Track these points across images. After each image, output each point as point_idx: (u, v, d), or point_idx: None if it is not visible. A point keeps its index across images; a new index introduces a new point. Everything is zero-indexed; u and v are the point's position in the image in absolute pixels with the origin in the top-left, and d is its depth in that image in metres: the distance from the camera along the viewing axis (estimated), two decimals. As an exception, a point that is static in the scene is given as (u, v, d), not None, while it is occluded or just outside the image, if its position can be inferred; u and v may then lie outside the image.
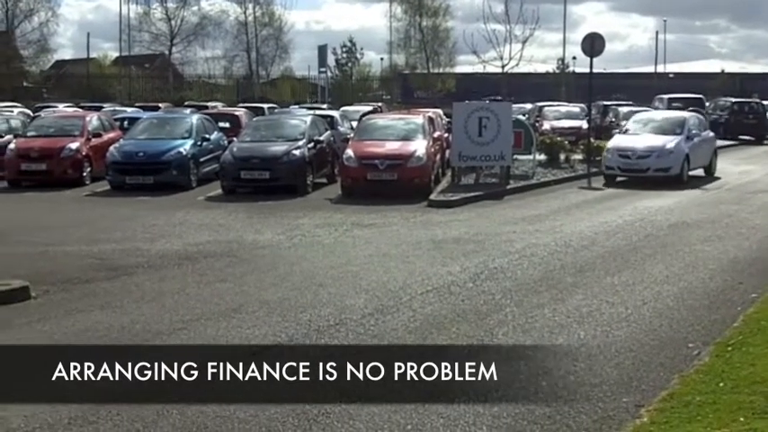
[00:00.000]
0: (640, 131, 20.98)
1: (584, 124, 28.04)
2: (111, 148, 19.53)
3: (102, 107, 33.19)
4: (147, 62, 64.75)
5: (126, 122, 24.27)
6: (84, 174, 20.06)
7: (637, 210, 15.40)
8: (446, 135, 20.93)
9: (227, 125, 22.94)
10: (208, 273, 10.30)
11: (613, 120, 31.59)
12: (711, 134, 22.26)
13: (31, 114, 30.01)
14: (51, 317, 8.21)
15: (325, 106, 37.25)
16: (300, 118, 20.99)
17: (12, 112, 30.74)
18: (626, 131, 21.53)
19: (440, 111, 25.61)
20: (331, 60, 61.74)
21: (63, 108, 34.66)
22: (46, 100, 48.79)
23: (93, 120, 21.91)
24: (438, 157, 19.18)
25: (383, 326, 7.77)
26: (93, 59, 65.89)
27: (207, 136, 20.43)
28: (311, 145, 18.77)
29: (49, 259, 11.10)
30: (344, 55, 67.30)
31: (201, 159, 19.64)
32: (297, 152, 18.23)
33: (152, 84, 60.27)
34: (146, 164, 18.77)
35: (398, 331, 7.60)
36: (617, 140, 20.86)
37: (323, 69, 54.49)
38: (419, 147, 17.80)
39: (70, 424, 5.52)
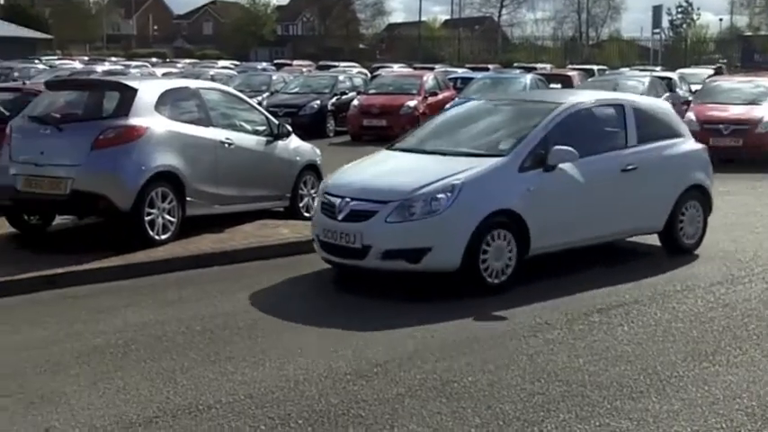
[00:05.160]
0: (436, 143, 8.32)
1: None
2: (447, 106, 20.17)
3: (434, 68, 34.43)
4: (476, 24, 66.20)
5: (458, 82, 25.01)
6: (421, 130, 20.97)
7: None
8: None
9: (559, 86, 22.81)
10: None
11: None
12: (687, 148, 9.12)
13: (368, 74, 31.91)
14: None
15: (658, 69, 35.71)
16: (638, 79, 20.41)
17: (352, 71, 33.01)
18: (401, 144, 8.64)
19: (790, 74, 23.54)
20: (664, 22, 59.09)
21: (398, 68, 36.44)
22: (379, 61, 51.67)
23: (429, 79, 22.83)
24: (790, 123, 17.62)
25: (733, 296, 7.37)
26: (424, 22, 68.61)
27: (539, 96, 20.44)
28: (648, 107, 18.09)
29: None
30: (679, 16, 64.13)
31: (533, 119, 19.71)
32: (632, 114, 17.68)
33: (479, 45, 61.60)
34: (479, 122, 19.20)
35: (751, 302, 7.16)
36: (340, 172, 8.15)
37: (657, 31, 52.32)
38: (769, 112, 16.44)
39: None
